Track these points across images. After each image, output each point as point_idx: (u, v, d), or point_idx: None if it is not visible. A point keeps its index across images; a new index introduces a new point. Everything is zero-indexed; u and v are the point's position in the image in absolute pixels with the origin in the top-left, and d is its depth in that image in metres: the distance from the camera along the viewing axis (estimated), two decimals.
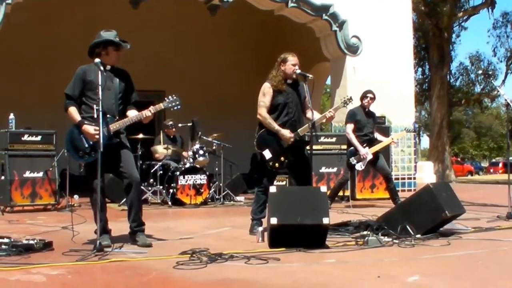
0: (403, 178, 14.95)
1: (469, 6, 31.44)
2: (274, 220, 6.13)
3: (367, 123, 10.98)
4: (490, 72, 37.43)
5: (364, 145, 10.77)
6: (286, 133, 7.29)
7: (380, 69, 14.73)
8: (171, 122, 12.98)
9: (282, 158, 7.37)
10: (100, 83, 6.16)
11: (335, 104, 14.58)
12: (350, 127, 10.88)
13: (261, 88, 7.45)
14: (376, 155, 10.84)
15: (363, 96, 11.09)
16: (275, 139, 7.34)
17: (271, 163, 7.36)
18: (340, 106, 8.14)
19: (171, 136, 13.02)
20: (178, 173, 11.70)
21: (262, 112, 7.37)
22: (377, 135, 11.17)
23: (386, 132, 13.23)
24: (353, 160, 10.77)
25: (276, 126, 7.30)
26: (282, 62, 7.42)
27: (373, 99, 11.10)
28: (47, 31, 17.06)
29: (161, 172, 12.07)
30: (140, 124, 6.71)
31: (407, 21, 15.91)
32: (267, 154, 7.35)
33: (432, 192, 6.95)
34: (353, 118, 10.91)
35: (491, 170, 61.13)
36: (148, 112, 6.50)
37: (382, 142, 10.98)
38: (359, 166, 10.85)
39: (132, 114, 6.61)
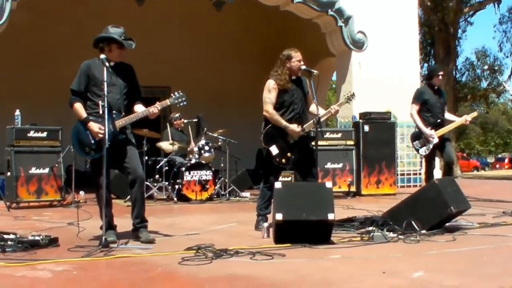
0: (409, 174, 14.93)
1: (475, 1, 31.42)
2: (279, 216, 6.13)
3: (437, 102, 10.15)
4: (496, 68, 37.37)
5: (431, 127, 9.97)
6: (295, 127, 7.30)
7: (386, 64, 14.71)
8: (178, 114, 12.98)
9: (288, 154, 7.38)
10: (105, 79, 6.18)
11: (340, 100, 14.56)
12: (415, 107, 10.13)
13: (266, 85, 7.45)
14: (443, 138, 10.07)
15: (433, 74, 10.25)
16: (282, 135, 7.35)
17: (278, 159, 7.37)
18: (343, 102, 8.11)
19: (179, 128, 13.02)
20: (183, 169, 11.72)
21: (269, 108, 7.37)
22: (449, 115, 10.44)
23: (391, 128, 13.23)
24: (416, 145, 10.09)
25: (283, 122, 7.31)
26: (286, 59, 7.41)
27: (444, 76, 10.26)
28: (52, 27, 17.07)
29: (166, 168, 12.08)
30: (145, 119, 6.72)
31: (413, 16, 15.88)
32: (274, 150, 7.36)
33: (438, 187, 6.95)
34: (419, 98, 10.16)
35: (497, 166, 61.10)
36: (154, 109, 6.51)
37: (452, 124, 10.23)
38: (423, 151, 10.06)
39: (139, 109, 6.62)
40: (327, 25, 15.07)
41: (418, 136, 10.09)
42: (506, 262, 5.44)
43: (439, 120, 10.05)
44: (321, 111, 7.42)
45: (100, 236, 6.11)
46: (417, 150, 10.14)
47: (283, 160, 7.40)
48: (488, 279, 4.63)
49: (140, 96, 6.80)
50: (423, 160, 10.31)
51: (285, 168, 7.76)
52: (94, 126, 6.36)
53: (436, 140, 9.90)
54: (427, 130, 9.92)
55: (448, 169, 10.15)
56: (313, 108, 7.45)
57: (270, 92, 7.38)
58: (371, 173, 12.91)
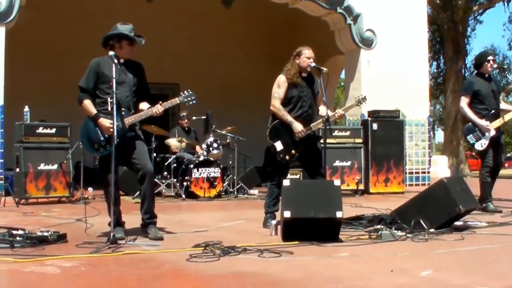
0: (417, 172, 14.89)
1: (485, 0, 31.26)
2: (287, 214, 6.13)
3: (490, 92, 9.12)
4: (505, 66, 37.21)
5: (485, 119, 8.97)
6: (299, 126, 7.29)
7: (395, 62, 14.67)
8: (184, 113, 13.03)
9: (293, 151, 7.38)
10: (114, 76, 6.18)
11: (349, 98, 14.56)
12: (464, 100, 9.13)
13: (276, 80, 7.46)
14: (499, 132, 9.10)
15: (483, 60, 9.21)
16: (288, 131, 7.35)
17: (281, 155, 7.37)
18: (353, 105, 8.06)
19: (186, 128, 13.05)
20: (192, 166, 11.72)
21: (276, 103, 7.38)
22: (504, 105, 9.43)
23: (399, 126, 13.20)
24: (471, 139, 9.05)
25: (289, 117, 7.31)
26: (297, 55, 7.44)
27: (494, 61, 9.28)
28: (61, 24, 17.10)
29: (175, 165, 12.09)
30: (153, 116, 6.71)
31: (422, 14, 15.81)
32: (279, 145, 7.36)
33: (446, 186, 6.93)
34: (469, 89, 9.15)
35: (506, 165, 60.78)
36: (157, 109, 6.50)
37: (508, 114, 9.18)
38: (479, 145, 8.99)
39: (144, 107, 6.62)
40: (336, 23, 15.05)
41: (471, 130, 9.08)
42: None
43: (493, 111, 9.08)
44: (329, 113, 7.40)
45: (108, 233, 6.13)
46: (473, 145, 9.12)
47: (287, 157, 7.40)
48: (496, 278, 4.62)
49: (149, 94, 6.80)
50: (479, 155, 9.28)
51: (289, 165, 7.71)
52: (105, 121, 6.37)
53: (493, 133, 8.95)
54: (482, 122, 8.96)
55: (493, 172, 9.19)
56: (322, 110, 7.44)
57: (279, 88, 7.39)
58: (380, 171, 12.90)
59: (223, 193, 12.29)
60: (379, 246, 6.08)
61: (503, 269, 5.04)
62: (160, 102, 6.54)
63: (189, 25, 18.57)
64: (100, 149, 6.49)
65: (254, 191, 12.80)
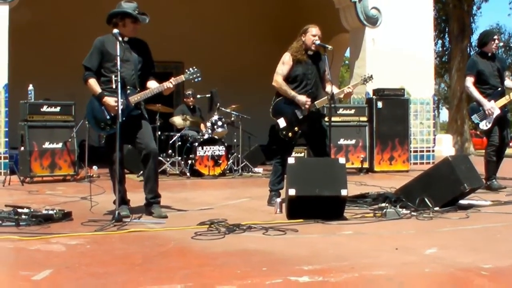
0: (422, 151, 14.85)
1: None
2: (292, 192, 6.13)
3: (493, 71, 9.08)
4: (511, 45, 37.02)
5: (490, 99, 8.91)
6: (303, 98, 7.28)
7: (400, 41, 14.58)
8: (189, 92, 13.01)
9: (296, 128, 7.37)
10: (118, 54, 6.16)
11: (354, 76, 14.50)
12: (470, 79, 9.05)
13: (282, 57, 7.47)
14: (504, 110, 9.04)
15: (488, 39, 9.14)
16: (291, 109, 7.35)
17: (284, 132, 7.37)
18: (359, 83, 8.05)
19: (191, 106, 13.05)
20: (196, 144, 11.72)
21: (278, 79, 7.38)
22: (509, 83, 9.24)
23: (404, 104, 13.16)
24: (475, 118, 9.03)
25: (292, 92, 7.31)
26: (303, 32, 7.45)
27: (499, 40, 9.30)
28: (66, 2, 17.03)
29: (179, 143, 12.10)
30: (159, 95, 6.71)
31: None
32: (282, 122, 7.37)
33: (451, 165, 6.92)
34: (473, 69, 9.09)
35: (511, 144, 60.74)
36: (169, 84, 6.50)
37: None
38: (484, 125, 8.94)
39: (153, 85, 6.60)
40: (341, 0, 14.96)
41: (476, 109, 9.05)
42: None
43: (498, 89, 9.02)
44: (335, 90, 7.40)
45: (113, 211, 6.14)
46: (477, 125, 9.13)
47: (290, 134, 7.40)
48: (502, 256, 4.62)
49: (154, 72, 6.78)
50: (484, 134, 9.23)
51: (292, 142, 7.69)
52: (110, 100, 6.35)
53: (497, 112, 8.86)
54: (487, 102, 8.89)
55: (500, 150, 9.16)
56: (329, 88, 7.42)
57: (283, 65, 7.41)
58: (384, 150, 12.88)
59: (228, 171, 12.30)
60: (383, 224, 6.09)
61: (508, 247, 5.03)
62: (172, 79, 6.53)
63: (194, 2, 18.49)
64: (106, 127, 6.48)
65: (259, 169, 12.80)
